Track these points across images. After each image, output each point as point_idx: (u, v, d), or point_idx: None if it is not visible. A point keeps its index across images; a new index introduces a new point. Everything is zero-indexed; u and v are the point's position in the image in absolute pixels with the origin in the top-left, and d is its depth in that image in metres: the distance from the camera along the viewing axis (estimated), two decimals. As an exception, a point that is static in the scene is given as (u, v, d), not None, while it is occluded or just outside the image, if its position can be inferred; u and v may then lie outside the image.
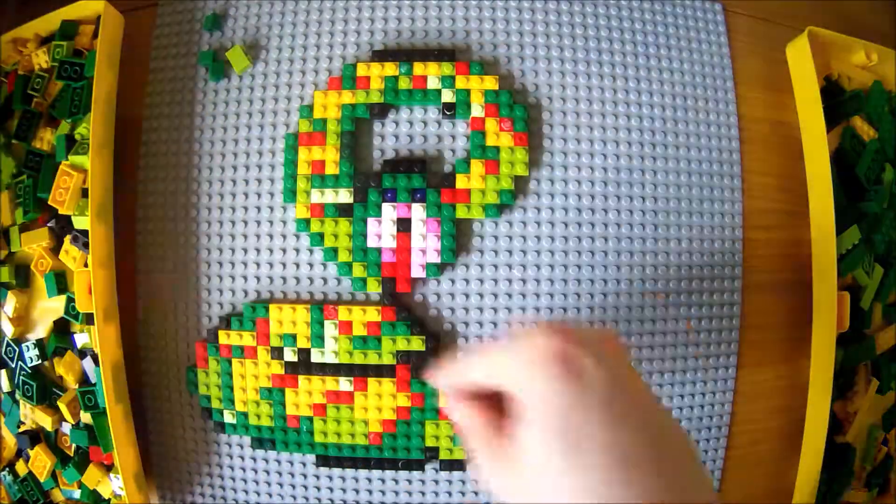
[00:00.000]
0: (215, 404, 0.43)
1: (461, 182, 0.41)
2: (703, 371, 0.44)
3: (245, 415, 0.42)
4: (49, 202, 0.41)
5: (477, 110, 0.41)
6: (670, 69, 0.44)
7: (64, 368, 0.42)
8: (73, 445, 0.43)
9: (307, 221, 0.42)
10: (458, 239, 0.41)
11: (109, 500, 0.43)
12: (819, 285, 0.44)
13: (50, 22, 0.45)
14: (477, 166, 0.41)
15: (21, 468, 0.45)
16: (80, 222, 0.41)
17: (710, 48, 0.46)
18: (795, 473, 0.44)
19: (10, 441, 0.45)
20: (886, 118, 0.47)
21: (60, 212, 0.41)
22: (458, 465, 0.42)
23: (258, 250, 0.43)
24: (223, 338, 0.42)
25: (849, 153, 0.45)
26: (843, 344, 0.43)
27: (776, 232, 0.46)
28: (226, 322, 0.42)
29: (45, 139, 0.44)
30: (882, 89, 0.47)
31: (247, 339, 0.42)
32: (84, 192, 0.41)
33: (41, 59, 0.45)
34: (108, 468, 0.43)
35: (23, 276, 0.44)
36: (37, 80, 0.44)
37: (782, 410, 0.46)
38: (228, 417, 0.43)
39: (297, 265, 0.42)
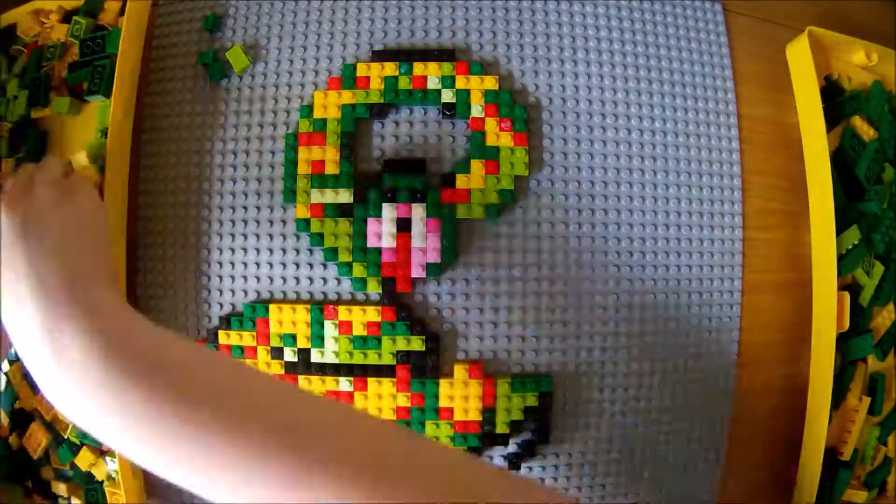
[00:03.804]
0: (215, 404, 0.43)
1: (461, 182, 0.41)
2: (704, 370, 0.44)
3: (245, 415, 0.42)
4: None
5: (477, 110, 0.41)
6: (670, 69, 0.44)
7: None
8: (70, 426, 0.43)
9: (307, 221, 0.42)
10: (458, 239, 0.41)
11: (102, 482, 0.43)
12: (819, 285, 0.44)
13: (76, -5, 0.45)
14: (477, 166, 0.41)
15: (14, 442, 0.45)
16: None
17: (710, 48, 0.46)
18: (796, 473, 0.44)
19: (4, 420, 0.45)
20: (886, 118, 0.47)
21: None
22: (458, 465, 0.42)
23: (258, 250, 0.43)
24: (223, 338, 0.42)
25: (849, 153, 0.45)
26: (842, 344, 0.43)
27: (776, 232, 0.46)
28: (226, 322, 0.42)
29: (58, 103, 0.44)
30: (882, 89, 0.47)
31: (247, 339, 0.42)
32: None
33: (59, 34, 0.45)
34: (102, 452, 0.43)
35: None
36: (50, 50, 0.44)
37: (782, 410, 0.46)
38: (228, 417, 0.43)
39: (297, 265, 0.42)
